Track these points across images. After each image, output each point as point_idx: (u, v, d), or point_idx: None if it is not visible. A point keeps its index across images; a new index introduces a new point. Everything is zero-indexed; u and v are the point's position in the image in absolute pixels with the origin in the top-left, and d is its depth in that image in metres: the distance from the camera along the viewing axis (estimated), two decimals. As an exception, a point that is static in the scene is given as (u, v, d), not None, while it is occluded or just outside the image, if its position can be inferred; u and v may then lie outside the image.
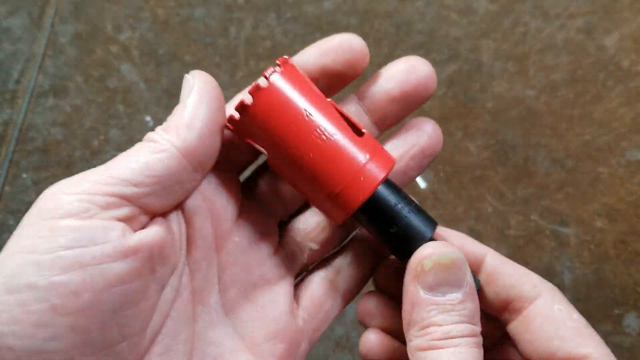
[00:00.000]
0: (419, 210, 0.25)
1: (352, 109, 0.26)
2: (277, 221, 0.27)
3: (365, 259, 0.28)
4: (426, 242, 0.24)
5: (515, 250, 0.44)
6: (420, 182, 0.46)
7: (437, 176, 0.46)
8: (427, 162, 0.28)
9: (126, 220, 0.21)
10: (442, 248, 0.23)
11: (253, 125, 0.23)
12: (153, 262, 0.22)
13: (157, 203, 0.22)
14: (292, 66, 0.24)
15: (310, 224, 0.27)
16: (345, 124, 0.24)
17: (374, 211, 0.24)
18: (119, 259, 0.20)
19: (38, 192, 0.53)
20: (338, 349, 0.45)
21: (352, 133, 0.24)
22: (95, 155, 0.47)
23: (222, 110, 0.23)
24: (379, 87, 0.26)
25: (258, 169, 0.27)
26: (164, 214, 0.23)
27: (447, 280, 0.22)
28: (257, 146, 0.24)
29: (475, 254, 0.26)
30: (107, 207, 0.21)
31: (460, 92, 0.47)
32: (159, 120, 0.48)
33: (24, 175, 0.48)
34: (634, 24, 0.47)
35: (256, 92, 0.23)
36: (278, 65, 0.23)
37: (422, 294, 0.23)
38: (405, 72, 0.25)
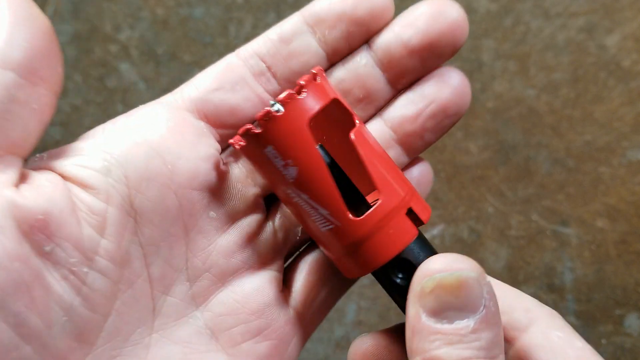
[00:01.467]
0: None
1: (363, 62, 0.22)
2: (263, 192, 0.23)
3: None
4: None
5: (515, 250, 0.44)
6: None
7: (437, 176, 0.45)
8: (449, 124, 0.23)
9: None
10: (451, 263, 0.19)
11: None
12: (31, 242, 0.17)
13: (3, 137, 0.18)
14: (319, 85, 0.20)
15: None
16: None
17: (394, 271, 0.21)
18: None
19: (37, 192, 0.52)
20: (338, 350, 0.44)
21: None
22: (94, 155, 0.47)
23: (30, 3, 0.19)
24: (395, 36, 0.22)
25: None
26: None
27: (454, 304, 0.18)
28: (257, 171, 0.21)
29: None
30: None
31: (461, 91, 0.47)
32: (158, 120, 0.48)
33: (23, 175, 0.48)
34: (635, 23, 0.46)
35: (267, 119, 0.19)
36: (302, 86, 0.20)
37: (424, 319, 0.18)
38: (427, 18, 0.21)
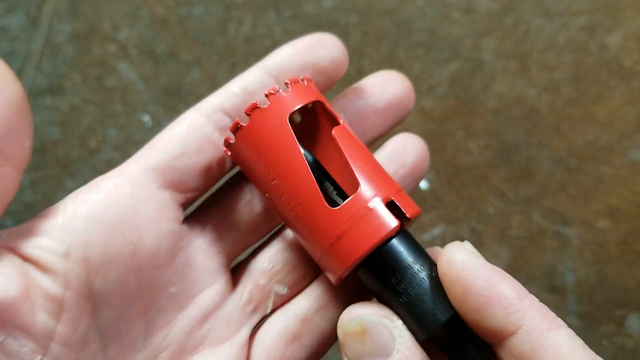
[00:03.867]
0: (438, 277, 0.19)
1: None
2: (229, 259, 0.22)
3: (341, 305, 0.22)
4: (439, 325, 0.18)
5: (516, 251, 0.44)
6: (422, 183, 0.45)
7: (438, 176, 0.45)
8: (414, 186, 0.24)
9: None
10: (352, 310, 0.18)
11: (245, 151, 0.20)
12: None
13: None
14: (305, 87, 0.21)
15: (276, 261, 0.22)
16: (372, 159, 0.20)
17: (380, 270, 0.19)
18: None
19: (35, 192, 0.52)
20: (338, 350, 0.44)
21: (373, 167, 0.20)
22: (92, 154, 0.47)
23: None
24: (362, 98, 0.23)
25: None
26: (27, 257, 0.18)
27: (365, 351, 0.18)
28: (249, 177, 0.21)
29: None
30: None
31: (462, 91, 0.47)
32: (157, 120, 0.48)
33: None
34: (636, 22, 0.46)
35: (254, 111, 0.20)
36: (287, 84, 0.20)
37: None
38: (387, 85, 0.24)
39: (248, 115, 0.20)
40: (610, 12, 0.47)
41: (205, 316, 0.21)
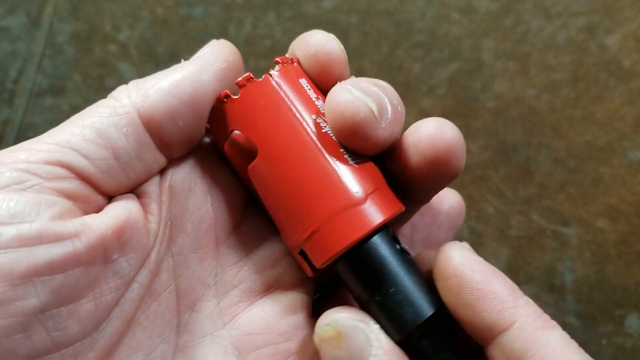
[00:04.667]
0: (419, 278, 0.19)
1: None
2: None
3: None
4: (420, 323, 0.18)
5: (516, 250, 0.44)
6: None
7: (437, 176, 0.45)
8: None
9: (74, 198, 0.17)
10: (327, 315, 0.18)
11: (232, 126, 0.20)
12: (105, 248, 0.17)
13: (112, 181, 0.18)
14: (294, 68, 0.21)
15: None
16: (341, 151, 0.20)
17: (356, 267, 0.19)
18: (49, 242, 0.16)
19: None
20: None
21: (350, 161, 0.19)
22: (93, 155, 0.47)
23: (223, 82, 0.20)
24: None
25: None
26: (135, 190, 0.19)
27: (341, 357, 0.17)
28: (228, 158, 0.21)
29: None
30: (50, 177, 0.17)
31: (461, 91, 0.47)
32: (158, 120, 0.48)
33: (22, 175, 0.48)
34: (635, 23, 0.46)
35: (244, 85, 0.20)
36: (278, 63, 0.21)
37: None
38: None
39: (239, 87, 0.21)
40: (609, 13, 0.47)
41: (277, 260, 0.21)
